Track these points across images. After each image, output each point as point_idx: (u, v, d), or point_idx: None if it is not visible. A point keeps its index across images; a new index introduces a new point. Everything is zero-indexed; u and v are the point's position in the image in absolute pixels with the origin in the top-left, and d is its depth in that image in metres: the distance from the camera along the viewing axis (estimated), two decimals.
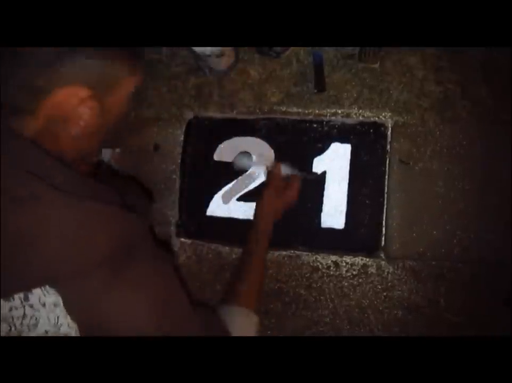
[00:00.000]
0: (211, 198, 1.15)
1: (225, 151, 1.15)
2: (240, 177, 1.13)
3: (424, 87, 1.07)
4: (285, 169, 1.07)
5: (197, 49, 1.00)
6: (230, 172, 1.14)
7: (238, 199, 1.14)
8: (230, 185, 1.13)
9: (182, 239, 1.17)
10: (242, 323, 0.85)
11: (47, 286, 0.55)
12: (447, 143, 1.05)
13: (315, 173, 1.11)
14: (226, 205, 1.13)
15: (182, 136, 1.18)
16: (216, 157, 1.16)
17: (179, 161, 1.17)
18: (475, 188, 1.03)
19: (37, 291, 0.55)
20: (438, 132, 1.06)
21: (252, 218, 1.08)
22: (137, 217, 0.63)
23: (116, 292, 0.58)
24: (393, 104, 1.08)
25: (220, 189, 1.15)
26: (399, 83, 1.08)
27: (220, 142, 1.16)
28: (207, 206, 1.16)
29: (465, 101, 1.05)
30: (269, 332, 1.11)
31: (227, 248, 1.15)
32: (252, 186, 1.13)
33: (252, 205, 1.11)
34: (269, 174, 1.08)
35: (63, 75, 0.57)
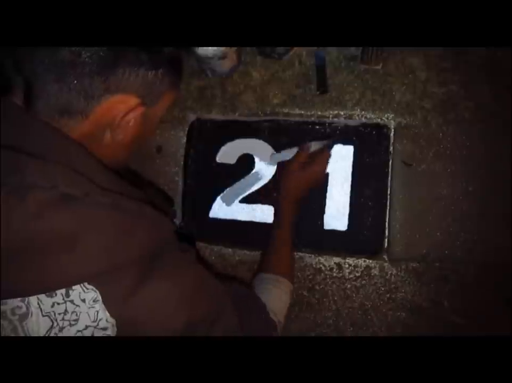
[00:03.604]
0: (214, 200, 1.15)
1: (227, 153, 1.15)
2: (242, 179, 1.13)
3: (427, 88, 1.06)
4: (314, 146, 1.07)
5: (199, 51, 1.00)
6: (233, 173, 1.15)
7: (241, 201, 1.14)
8: (232, 187, 1.13)
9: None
10: (277, 289, 0.93)
11: (86, 283, 0.57)
12: (450, 145, 1.05)
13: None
14: (229, 207, 1.14)
15: (185, 138, 1.18)
16: (219, 159, 1.16)
17: (182, 163, 1.18)
18: (478, 189, 1.03)
19: (77, 288, 0.57)
20: (441, 134, 1.05)
21: (255, 220, 1.10)
22: (166, 219, 0.66)
23: (148, 287, 0.60)
24: (395, 105, 1.08)
25: (222, 190, 1.15)
26: (402, 85, 1.08)
27: (223, 144, 1.16)
28: (210, 208, 1.16)
29: (468, 102, 1.04)
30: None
31: (230, 249, 1.15)
32: (254, 188, 1.13)
33: (255, 207, 1.12)
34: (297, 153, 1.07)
35: (114, 82, 0.59)
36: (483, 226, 1.02)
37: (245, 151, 1.15)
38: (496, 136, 1.02)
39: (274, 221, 1.07)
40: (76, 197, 0.54)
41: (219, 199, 1.15)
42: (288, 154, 1.08)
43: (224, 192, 1.14)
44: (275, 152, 1.12)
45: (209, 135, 1.17)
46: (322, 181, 1.09)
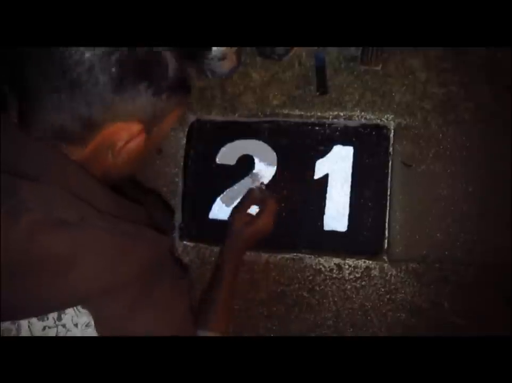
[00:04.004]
0: (214, 201, 1.15)
1: (227, 154, 1.15)
2: (242, 180, 1.13)
3: (427, 89, 1.07)
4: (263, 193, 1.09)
5: (199, 53, 1.00)
6: (233, 174, 1.14)
7: None
8: (232, 187, 1.13)
9: (185, 242, 1.16)
10: None
11: (79, 307, 0.56)
12: (450, 145, 1.05)
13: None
14: (229, 208, 1.13)
15: (185, 139, 1.18)
16: (218, 160, 1.16)
17: (182, 164, 1.18)
18: (478, 190, 1.03)
19: (70, 311, 0.56)
20: (441, 134, 1.05)
21: None
22: (165, 238, 0.65)
23: (142, 311, 0.61)
24: (395, 106, 1.08)
25: (222, 191, 1.15)
26: (402, 85, 1.08)
27: (223, 145, 1.16)
28: (210, 209, 1.16)
29: (468, 103, 1.05)
30: (272, 335, 1.11)
31: None
32: None
33: (254, 208, 1.11)
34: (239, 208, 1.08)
35: (116, 109, 0.57)
36: (483, 226, 1.02)
37: (244, 152, 1.15)
38: (496, 136, 1.02)
39: (216, 272, 0.99)
40: (71, 221, 0.54)
41: (218, 200, 1.15)
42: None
43: (224, 193, 1.14)
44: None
45: (209, 136, 1.17)
46: (269, 232, 1.04)
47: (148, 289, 0.61)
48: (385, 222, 1.07)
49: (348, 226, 1.09)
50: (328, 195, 1.10)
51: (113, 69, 0.54)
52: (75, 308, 0.57)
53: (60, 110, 0.55)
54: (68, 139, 0.58)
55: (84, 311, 0.57)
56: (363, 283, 1.08)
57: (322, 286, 1.10)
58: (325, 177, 1.10)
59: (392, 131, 1.08)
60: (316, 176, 1.11)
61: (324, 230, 1.10)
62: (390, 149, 1.08)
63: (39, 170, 0.56)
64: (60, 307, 0.56)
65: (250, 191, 1.10)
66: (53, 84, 0.54)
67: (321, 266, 1.10)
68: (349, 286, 1.08)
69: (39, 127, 0.57)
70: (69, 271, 0.54)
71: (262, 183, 1.11)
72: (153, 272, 0.62)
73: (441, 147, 1.05)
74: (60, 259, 0.54)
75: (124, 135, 0.59)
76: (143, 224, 0.64)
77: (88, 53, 0.53)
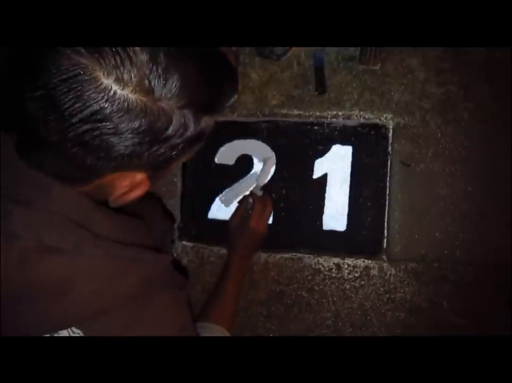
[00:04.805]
0: (213, 201, 1.15)
1: (226, 154, 1.15)
2: (241, 180, 1.13)
3: (426, 88, 1.06)
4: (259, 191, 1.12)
5: None
6: (231, 174, 1.14)
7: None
8: (231, 188, 1.13)
9: (184, 242, 1.17)
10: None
11: (73, 328, 0.56)
12: (449, 145, 1.05)
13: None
14: (227, 208, 1.13)
15: None
16: (217, 159, 1.16)
17: (180, 164, 1.17)
18: (477, 189, 1.03)
19: (63, 333, 0.56)
20: (439, 134, 1.05)
21: None
22: (164, 256, 0.65)
23: (140, 326, 0.60)
24: (394, 106, 1.08)
25: (221, 191, 1.15)
26: (401, 85, 1.08)
27: (221, 145, 1.15)
28: (208, 209, 1.16)
29: (467, 102, 1.04)
30: (271, 335, 1.11)
31: None
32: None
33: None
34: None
35: (122, 161, 0.51)
36: (482, 226, 1.02)
37: (243, 152, 1.15)
38: (496, 136, 1.02)
39: (226, 269, 1.04)
40: (64, 248, 0.54)
41: (217, 200, 1.15)
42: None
43: (223, 193, 1.14)
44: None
45: (207, 136, 1.16)
46: (263, 236, 1.07)
47: (145, 303, 0.61)
48: (384, 222, 1.07)
49: (347, 225, 1.09)
50: (327, 195, 1.10)
51: (129, 135, 0.49)
52: (69, 329, 0.57)
53: (62, 157, 0.51)
54: (67, 181, 0.55)
55: (78, 331, 0.57)
56: (362, 282, 1.08)
57: (321, 286, 1.10)
58: (324, 176, 1.10)
59: (391, 130, 1.08)
60: (315, 176, 1.11)
61: (323, 230, 1.10)
62: (389, 148, 1.08)
63: (34, 196, 0.54)
64: (54, 329, 0.56)
65: (243, 199, 1.12)
66: (59, 136, 0.48)
67: (320, 266, 1.10)
68: (348, 286, 1.09)
69: (36, 166, 0.54)
70: (64, 296, 0.54)
71: (258, 185, 1.11)
72: (152, 289, 0.62)
73: (440, 146, 1.05)
74: (54, 285, 0.54)
75: (127, 183, 0.56)
76: (144, 240, 0.63)
77: (105, 122, 0.47)
